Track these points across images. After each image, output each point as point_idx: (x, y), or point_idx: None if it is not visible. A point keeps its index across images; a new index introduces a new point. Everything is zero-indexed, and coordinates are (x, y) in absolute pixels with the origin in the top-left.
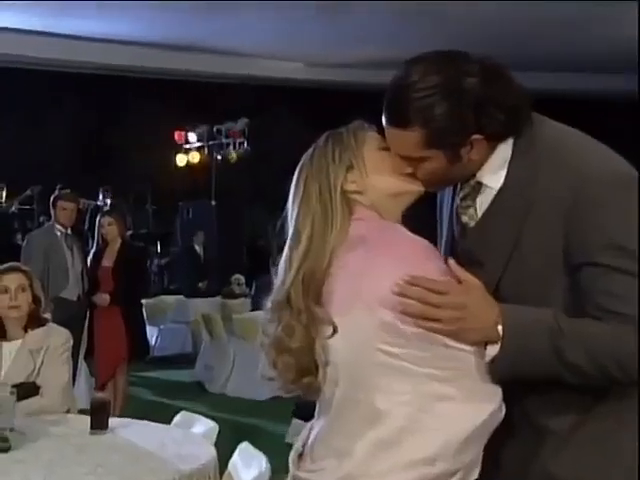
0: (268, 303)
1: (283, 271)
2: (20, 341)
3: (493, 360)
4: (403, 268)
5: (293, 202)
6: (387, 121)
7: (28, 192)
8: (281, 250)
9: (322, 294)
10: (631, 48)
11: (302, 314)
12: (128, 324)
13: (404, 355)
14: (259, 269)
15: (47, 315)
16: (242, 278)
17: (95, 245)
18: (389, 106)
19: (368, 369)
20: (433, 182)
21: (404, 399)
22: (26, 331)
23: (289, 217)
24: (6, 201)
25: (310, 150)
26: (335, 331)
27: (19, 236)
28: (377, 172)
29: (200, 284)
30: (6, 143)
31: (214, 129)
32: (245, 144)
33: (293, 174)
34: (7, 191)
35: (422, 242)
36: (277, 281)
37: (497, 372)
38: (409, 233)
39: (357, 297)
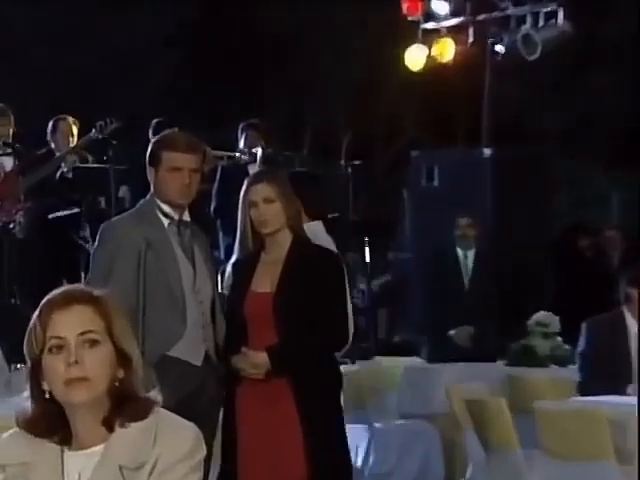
0: None
1: None
2: (100, 449)
3: None
4: None
5: None
6: None
7: (93, 133)
8: None
9: None
10: None
11: None
12: (307, 417)
13: None
14: (592, 303)
15: (154, 395)
16: (553, 320)
17: (238, 247)
18: None
19: None
20: None
21: None
22: (111, 429)
23: None
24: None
25: None
26: None
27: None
28: None
29: (456, 333)
30: (60, 40)
31: None
32: (560, 17)
33: None
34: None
35: None
36: None
37: None
38: None
39: None
